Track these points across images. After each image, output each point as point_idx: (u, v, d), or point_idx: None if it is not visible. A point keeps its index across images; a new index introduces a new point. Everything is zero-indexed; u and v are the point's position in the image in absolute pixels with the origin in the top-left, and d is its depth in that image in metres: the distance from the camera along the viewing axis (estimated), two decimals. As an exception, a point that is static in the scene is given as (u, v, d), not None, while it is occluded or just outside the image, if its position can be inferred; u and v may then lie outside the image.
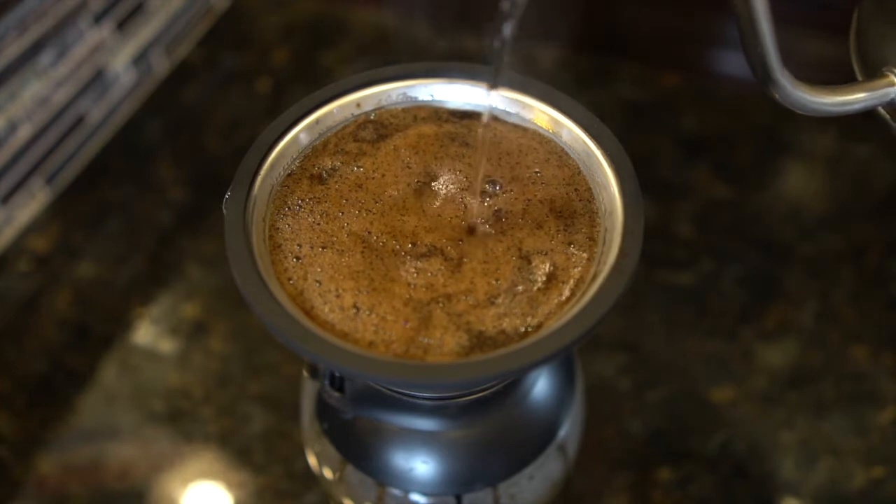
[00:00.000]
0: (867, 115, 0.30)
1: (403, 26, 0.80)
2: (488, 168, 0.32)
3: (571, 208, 0.30)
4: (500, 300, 0.28)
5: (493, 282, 0.28)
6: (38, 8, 0.59)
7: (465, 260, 0.29)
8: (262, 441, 0.52)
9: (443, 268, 0.28)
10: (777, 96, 0.28)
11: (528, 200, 0.31)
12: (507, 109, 0.34)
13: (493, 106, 0.33)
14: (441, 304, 0.27)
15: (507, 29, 0.26)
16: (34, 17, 0.59)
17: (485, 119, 0.33)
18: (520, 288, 0.28)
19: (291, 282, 0.28)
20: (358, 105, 0.34)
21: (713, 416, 0.53)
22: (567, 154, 0.32)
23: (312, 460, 0.41)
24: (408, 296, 0.28)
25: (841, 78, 0.30)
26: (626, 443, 0.52)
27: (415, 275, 0.28)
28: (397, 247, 0.29)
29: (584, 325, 0.25)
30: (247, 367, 0.55)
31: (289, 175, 0.31)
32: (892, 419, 0.52)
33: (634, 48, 0.76)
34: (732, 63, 0.77)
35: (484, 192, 0.31)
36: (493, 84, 0.30)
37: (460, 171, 0.32)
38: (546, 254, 0.29)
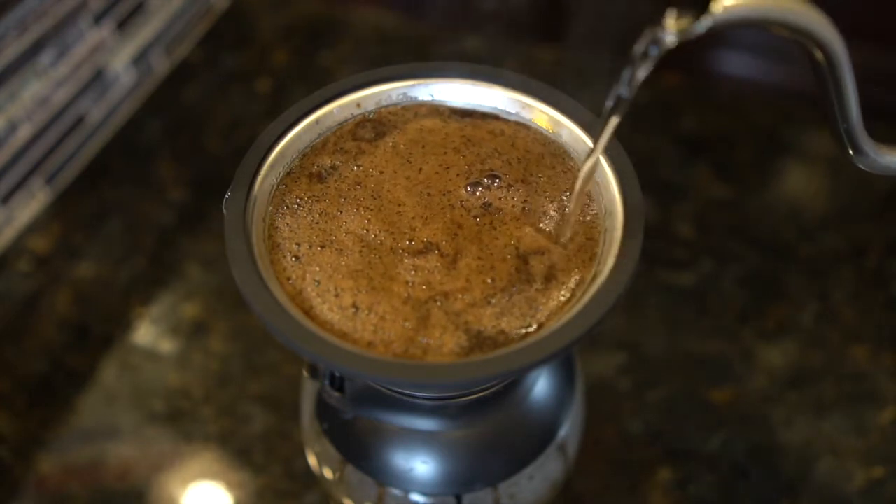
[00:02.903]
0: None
1: (403, 26, 0.80)
2: (494, 163, 0.31)
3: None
4: (496, 300, 0.28)
5: (489, 280, 0.28)
6: (38, 8, 0.59)
7: (460, 257, 0.29)
8: (262, 441, 0.52)
9: (439, 265, 0.28)
10: (860, 162, 0.29)
11: (528, 199, 0.31)
12: (508, 109, 0.34)
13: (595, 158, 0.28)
14: (439, 303, 0.27)
15: (630, 87, 0.24)
16: (34, 17, 0.59)
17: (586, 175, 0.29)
18: (517, 288, 0.28)
19: (290, 281, 0.28)
20: (358, 105, 0.34)
21: (713, 416, 0.53)
22: (568, 155, 0.32)
23: (312, 460, 0.41)
24: (406, 294, 0.28)
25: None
26: (626, 443, 0.52)
27: (412, 272, 0.28)
28: (395, 244, 0.29)
29: (584, 325, 0.25)
30: (247, 367, 0.55)
31: (288, 174, 0.31)
32: (892, 419, 0.52)
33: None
34: (732, 63, 0.77)
35: (479, 185, 0.31)
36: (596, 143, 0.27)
37: (460, 167, 0.32)
38: (544, 254, 0.29)
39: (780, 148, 0.68)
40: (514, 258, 0.29)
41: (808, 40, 0.25)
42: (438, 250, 0.29)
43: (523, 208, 0.30)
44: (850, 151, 0.29)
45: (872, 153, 0.29)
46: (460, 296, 0.28)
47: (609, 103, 0.25)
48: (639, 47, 0.23)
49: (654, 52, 0.23)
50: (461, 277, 0.28)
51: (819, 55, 0.25)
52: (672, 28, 0.23)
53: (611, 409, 0.53)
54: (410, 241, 0.29)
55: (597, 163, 0.28)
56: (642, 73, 0.24)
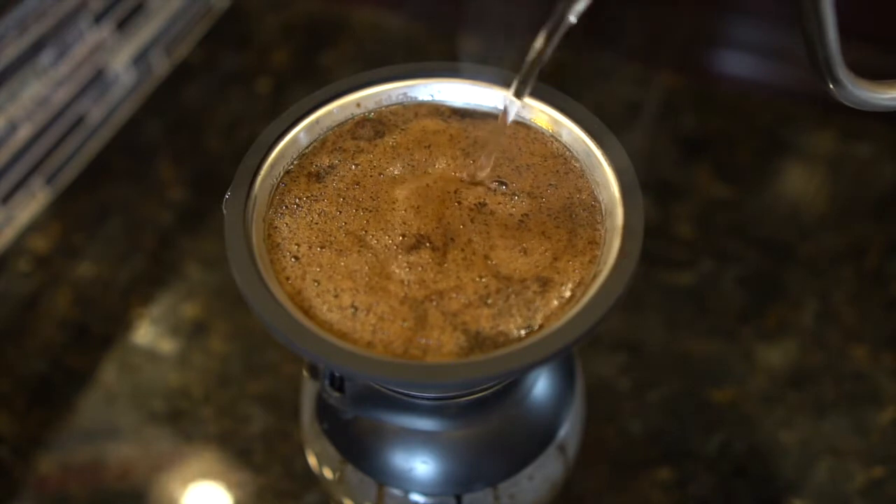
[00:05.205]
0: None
1: (403, 26, 0.80)
2: (503, 170, 0.31)
3: (573, 211, 0.30)
4: (492, 300, 0.28)
5: (478, 279, 0.28)
6: (38, 8, 0.59)
7: (448, 250, 0.29)
8: (262, 441, 0.52)
9: (431, 260, 0.28)
10: (838, 94, 0.28)
11: (531, 201, 0.30)
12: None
13: (515, 113, 0.31)
14: (434, 303, 0.27)
15: (550, 43, 0.26)
16: (34, 17, 0.59)
17: (504, 122, 0.31)
18: (513, 290, 0.28)
19: (290, 281, 0.28)
20: (358, 105, 0.34)
21: (713, 416, 0.53)
22: (570, 154, 0.32)
23: (312, 460, 0.41)
24: (403, 294, 0.28)
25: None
26: (626, 443, 0.52)
27: (407, 270, 0.28)
28: (389, 241, 0.29)
29: (583, 326, 0.25)
30: (247, 367, 0.55)
31: (287, 174, 0.31)
32: (892, 419, 0.52)
33: (634, 48, 0.76)
34: (732, 63, 0.77)
35: (487, 189, 0.31)
36: (520, 93, 0.29)
37: (461, 167, 0.32)
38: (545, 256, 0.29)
39: (780, 148, 0.68)
40: (494, 275, 0.29)
41: None
42: (430, 243, 0.29)
43: (520, 221, 0.30)
44: (829, 83, 0.28)
45: (850, 85, 0.28)
46: (454, 295, 0.28)
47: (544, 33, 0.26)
48: None
49: None
50: (451, 274, 0.28)
51: None
52: None
53: (611, 409, 0.53)
54: (403, 235, 0.29)
55: (512, 107, 0.29)
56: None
